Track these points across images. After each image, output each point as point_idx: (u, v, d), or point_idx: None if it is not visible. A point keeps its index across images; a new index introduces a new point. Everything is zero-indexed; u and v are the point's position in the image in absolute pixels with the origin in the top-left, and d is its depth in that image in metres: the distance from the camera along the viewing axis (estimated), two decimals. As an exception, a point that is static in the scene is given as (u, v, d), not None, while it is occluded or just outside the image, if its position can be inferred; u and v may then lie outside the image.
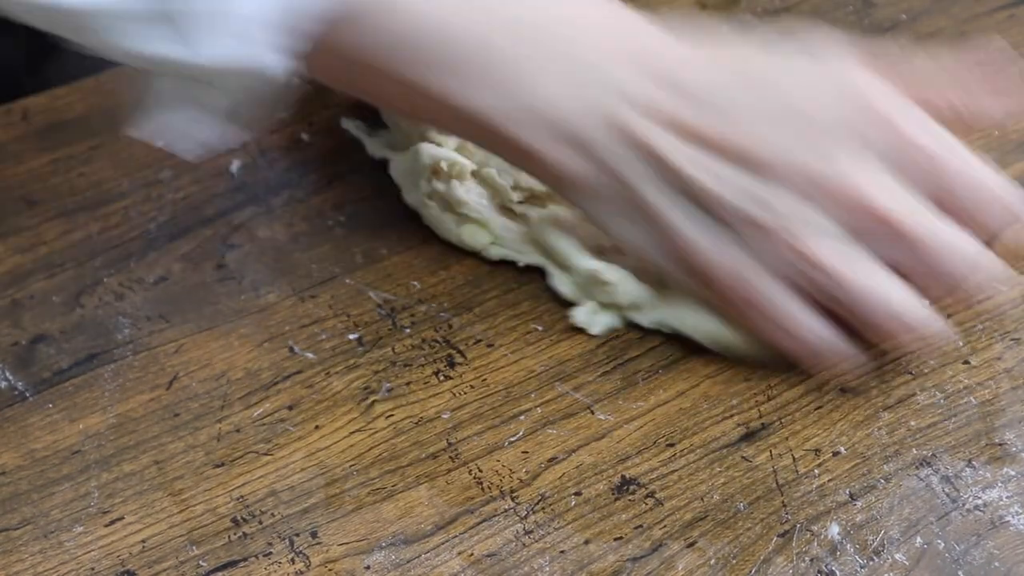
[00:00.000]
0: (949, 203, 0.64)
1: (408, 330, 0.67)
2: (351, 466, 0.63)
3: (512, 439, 0.64)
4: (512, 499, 0.62)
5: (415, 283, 0.69)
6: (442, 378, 0.66)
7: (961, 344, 0.66)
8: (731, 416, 0.64)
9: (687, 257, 0.64)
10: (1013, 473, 0.62)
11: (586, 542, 0.60)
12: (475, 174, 0.70)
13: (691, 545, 0.60)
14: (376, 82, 0.66)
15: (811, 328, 0.64)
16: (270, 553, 0.60)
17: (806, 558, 0.60)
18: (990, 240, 0.64)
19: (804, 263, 0.63)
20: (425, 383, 0.66)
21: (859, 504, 0.61)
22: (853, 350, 0.64)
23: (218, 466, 0.63)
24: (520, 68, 0.64)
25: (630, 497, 0.62)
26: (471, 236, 0.69)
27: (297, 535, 0.61)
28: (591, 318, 0.67)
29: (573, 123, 0.64)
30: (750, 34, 0.67)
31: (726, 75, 0.65)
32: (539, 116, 0.64)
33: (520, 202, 0.70)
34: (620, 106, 0.64)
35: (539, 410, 0.65)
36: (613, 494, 0.62)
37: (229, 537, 0.61)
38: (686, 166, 0.63)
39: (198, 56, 0.60)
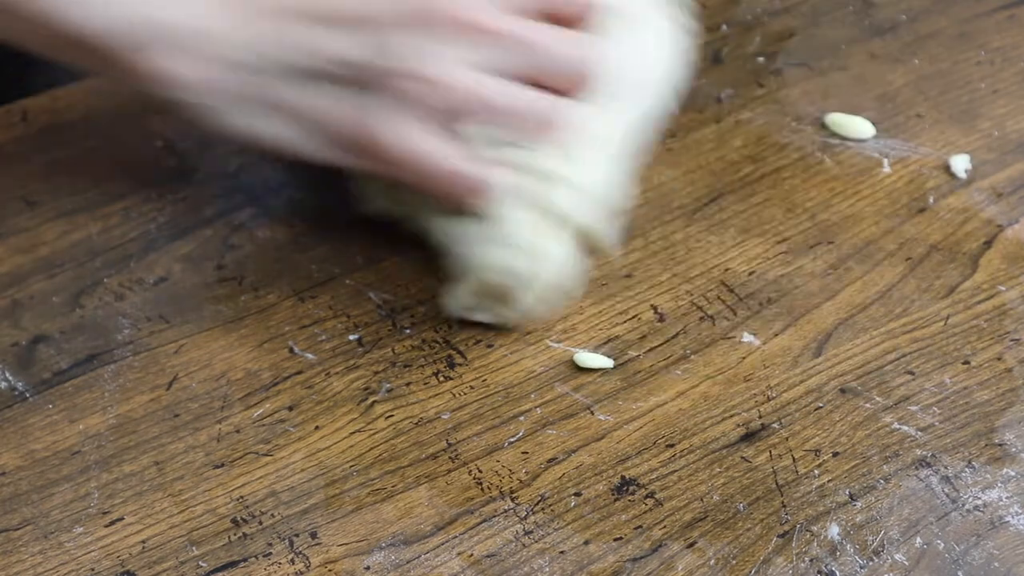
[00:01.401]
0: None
1: (408, 331, 0.67)
2: (351, 467, 0.63)
3: (512, 439, 0.64)
4: (512, 499, 0.62)
5: (415, 283, 0.69)
6: (442, 378, 0.66)
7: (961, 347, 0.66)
8: (731, 416, 0.64)
9: (328, 130, 0.65)
10: (1013, 473, 0.62)
11: (586, 542, 0.60)
12: None
13: (691, 545, 0.60)
14: None
15: (454, 156, 0.64)
16: (270, 554, 0.60)
17: (806, 558, 0.60)
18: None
19: (439, 92, 0.64)
20: (425, 383, 0.66)
21: (859, 504, 0.61)
22: (507, 175, 0.65)
23: (218, 467, 0.63)
24: None
25: (630, 497, 0.62)
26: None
27: (297, 535, 0.61)
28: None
29: (185, 28, 0.64)
30: None
31: None
32: (142, 25, 0.64)
33: None
34: (224, 2, 0.65)
35: (539, 410, 0.65)
36: (613, 494, 0.62)
37: (229, 537, 0.61)
38: (302, 41, 0.65)
39: None
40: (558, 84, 0.66)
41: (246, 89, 0.66)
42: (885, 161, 0.73)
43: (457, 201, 0.65)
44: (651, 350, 0.66)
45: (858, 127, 0.75)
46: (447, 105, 0.64)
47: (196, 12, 0.65)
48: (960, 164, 0.72)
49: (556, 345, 0.67)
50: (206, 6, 0.65)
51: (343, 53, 0.65)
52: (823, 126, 0.75)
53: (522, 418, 0.64)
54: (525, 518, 0.61)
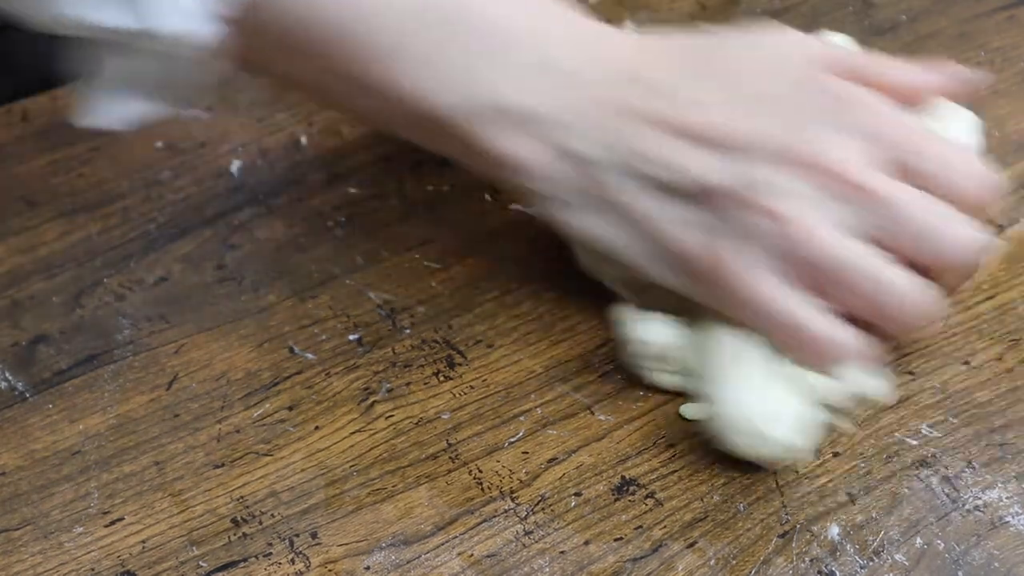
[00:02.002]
0: (921, 180, 0.61)
1: (408, 331, 0.67)
2: (351, 467, 0.63)
3: (512, 439, 0.64)
4: (512, 500, 0.62)
5: (415, 283, 0.69)
6: (442, 378, 0.66)
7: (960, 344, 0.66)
8: (731, 416, 0.64)
9: (667, 247, 0.62)
10: (1013, 473, 0.62)
11: (586, 543, 0.60)
12: None
13: (691, 546, 0.60)
14: (297, 61, 0.64)
15: (810, 318, 0.60)
16: (270, 554, 0.60)
17: (806, 559, 0.60)
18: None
19: (800, 243, 0.60)
20: (425, 383, 0.66)
21: (859, 505, 0.61)
22: (862, 342, 0.61)
23: (218, 467, 0.63)
24: (466, 56, 0.62)
25: (630, 498, 0.62)
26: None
27: (297, 535, 0.61)
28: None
29: (534, 112, 0.62)
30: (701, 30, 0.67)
31: (682, 63, 0.63)
32: (493, 106, 0.62)
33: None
34: (580, 95, 0.62)
35: (539, 410, 0.65)
36: (613, 495, 0.62)
37: (229, 538, 0.61)
38: (662, 152, 0.61)
39: (143, 23, 0.60)
40: (926, 264, 0.61)
41: (587, 184, 0.63)
42: (885, 161, 0.73)
43: (790, 354, 0.61)
44: (651, 350, 0.66)
45: (859, 127, 0.74)
46: (800, 255, 0.60)
47: (554, 100, 0.62)
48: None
49: (557, 345, 0.67)
50: (567, 97, 0.62)
51: (704, 174, 0.61)
52: (823, 126, 0.75)
53: (522, 418, 0.64)
54: (525, 518, 0.61)
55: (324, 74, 0.64)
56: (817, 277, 0.60)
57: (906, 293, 0.61)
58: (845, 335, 0.61)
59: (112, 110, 0.64)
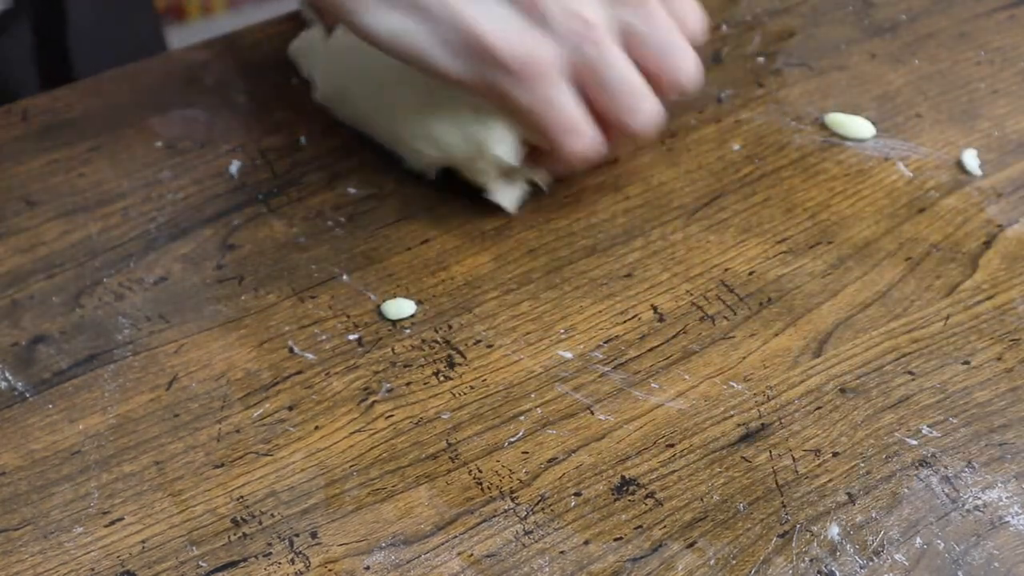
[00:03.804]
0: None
1: (408, 330, 0.67)
2: (351, 466, 0.63)
3: (512, 439, 0.64)
4: (512, 499, 0.62)
5: (415, 283, 0.69)
6: (442, 378, 0.66)
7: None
8: (731, 416, 0.64)
9: (471, 36, 0.66)
10: (1013, 473, 0.62)
11: (586, 542, 0.60)
12: None
13: (691, 545, 0.60)
14: None
15: (577, 112, 0.67)
16: (270, 553, 0.60)
17: (806, 558, 0.60)
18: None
19: (593, 46, 0.67)
20: (425, 383, 0.66)
21: (859, 504, 0.61)
22: (599, 140, 0.68)
23: (218, 466, 0.63)
24: None
25: (630, 497, 0.62)
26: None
27: (297, 535, 0.61)
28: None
29: None
30: None
31: None
32: None
33: None
34: None
35: (539, 410, 0.65)
36: (613, 494, 0.62)
37: (229, 537, 0.61)
38: None
39: None
40: (656, 74, 0.69)
41: None
42: (885, 161, 0.73)
43: (543, 134, 0.68)
44: (651, 350, 0.66)
45: (858, 127, 0.75)
46: (589, 56, 0.67)
47: None
48: (971, 160, 0.72)
49: (557, 345, 0.67)
50: None
51: None
52: (823, 126, 0.75)
53: (522, 418, 0.64)
54: (525, 518, 0.61)
55: None
56: (591, 76, 0.67)
57: (645, 100, 0.69)
58: (595, 131, 0.69)
59: None
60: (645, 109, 0.68)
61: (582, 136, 0.68)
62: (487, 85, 0.67)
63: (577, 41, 0.66)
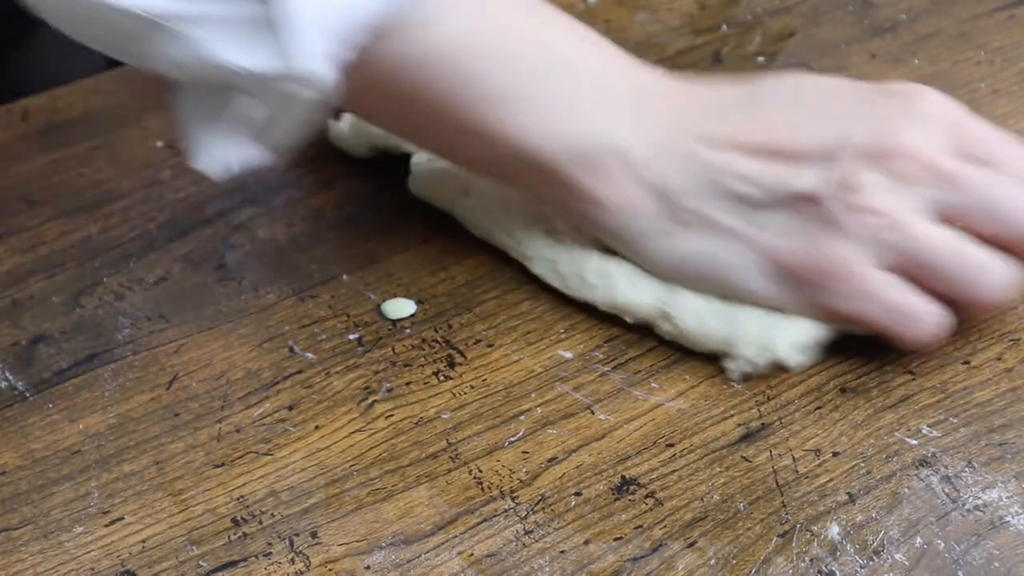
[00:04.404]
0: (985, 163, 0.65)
1: (408, 330, 0.67)
2: (351, 466, 0.63)
3: (512, 439, 0.64)
4: (512, 499, 0.62)
5: (415, 283, 0.69)
6: (442, 378, 0.66)
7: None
8: (731, 416, 0.64)
9: (767, 256, 0.64)
10: (1013, 473, 0.62)
11: (586, 542, 0.60)
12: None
13: (691, 545, 0.60)
14: (403, 106, 0.65)
15: (914, 302, 0.64)
16: (270, 553, 0.60)
17: (806, 558, 0.60)
18: None
19: (897, 233, 0.63)
20: (425, 383, 0.66)
21: (859, 504, 0.61)
22: (946, 317, 0.64)
23: (218, 466, 0.63)
24: (571, 103, 0.65)
25: (630, 497, 0.62)
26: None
27: (297, 535, 0.61)
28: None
29: (629, 153, 0.65)
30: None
31: (738, 95, 0.67)
32: (594, 149, 0.65)
33: None
34: (663, 133, 0.65)
35: (539, 410, 0.65)
36: (613, 494, 0.62)
37: (229, 537, 0.61)
38: (748, 171, 0.64)
39: (284, 66, 0.60)
40: (999, 237, 0.64)
41: (677, 213, 0.65)
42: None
43: (895, 336, 0.64)
44: (651, 350, 0.66)
45: (859, 128, 0.74)
46: (898, 244, 0.63)
47: (643, 140, 0.65)
48: None
49: (557, 345, 0.67)
50: (653, 136, 0.65)
51: (792, 184, 0.64)
52: (823, 126, 0.75)
53: (522, 418, 0.64)
54: (525, 518, 0.61)
55: (429, 118, 0.65)
56: (909, 262, 0.63)
57: (989, 269, 0.64)
58: (940, 312, 0.64)
59: (223, 155, 0.63)
60: (992, 277, 0.64)
61: (919, 321, 0.64)
62: (801, 303, 0.64)
63: (874, 234, 0.63)
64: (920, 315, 0.64)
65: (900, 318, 0.64)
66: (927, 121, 0.65)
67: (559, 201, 0.66)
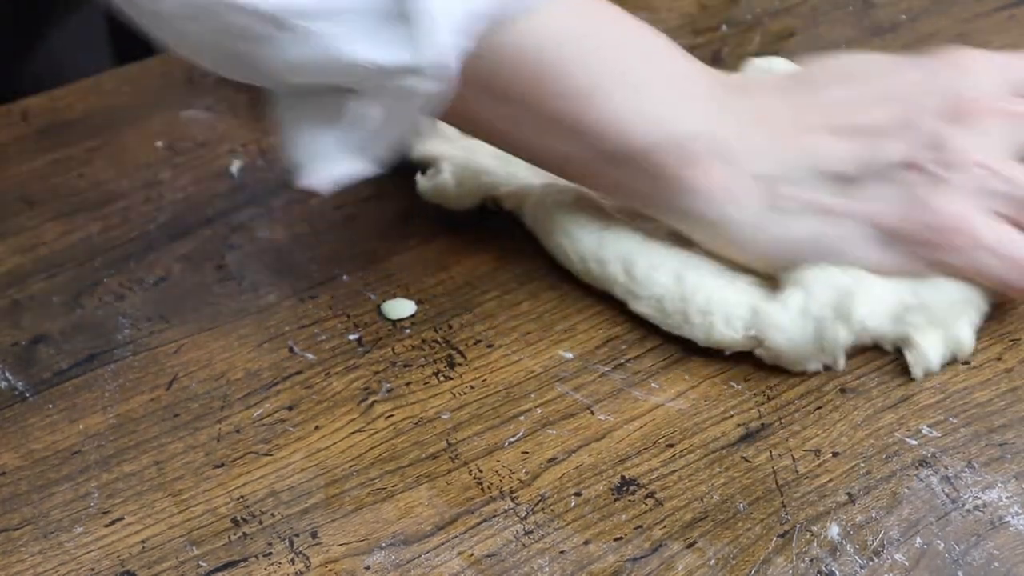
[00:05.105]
0: None
1: (408, 330, 0.67)
2: (351, 466, 0.63)
3: (512, 439, 0.64)
4: (512, 499, 0.62)
5: (415, 283, 0.69)
6: (442, 378, 0.66)
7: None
8: (731, 416, 0.64)
9: (879, 224, 0.65)
10: (1013, 473, 0.62)
11: (586, 542, 0.60)
12: None
13: (691, 545, 0.60)
14: (497, 105, 0.65)
15: (1021, 248, 0.65)
16: (270, 553, 0.60)
17: (806, 558, 0.60)
18: None
19: (1003, 181, 0.64)
20: (425, 383, 0.66)
21: (859, 504, 0.61)
22: None
23: (218, 466, 0.63)
24: (666, 94, 0.66)
25: (630, 497, 0.62)
26: None
27: (297, 535, 0.61)
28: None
29: (725, 141, 0.65)
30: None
31: (808, 80, 0.68)
32: (691, 138, 0.65)
33: None
34: (750, 122, 0.66)
35: (539, 410, 0.65)
36: (613, 494, 0.62)
37: (229, 537, 0.61)
38: (837, 149, 0.65)
39: (417, 58, 0.60)
40: None
41: (775, 199, 0.65)
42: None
43: (1012, 282, 0.65)
44: (651, 350, 0.66)
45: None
46: (1006, 192, 0.65)
47: (734, 129, 0.66)
48: None
49: (557, 345, 0.67)
50: (742, 124, 0.66)
51: (895, 154, 0.65)
52: (823, 126, 0.75)
53: (522, 418, 0.64)
54: (525, 518, 0.61)
55: (526, 112, 0.65)
56: (1013, 204, 0.65)
57: None
58: None
59: (331, 168, 0.63)
60: None
61: None
62: (919, 267, 0.65)
63: (980, 184, 0.65)
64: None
65: (1017, 268, 0.64)
66: (980, 73, 0.67)
67: (652, 195, 0.66)
